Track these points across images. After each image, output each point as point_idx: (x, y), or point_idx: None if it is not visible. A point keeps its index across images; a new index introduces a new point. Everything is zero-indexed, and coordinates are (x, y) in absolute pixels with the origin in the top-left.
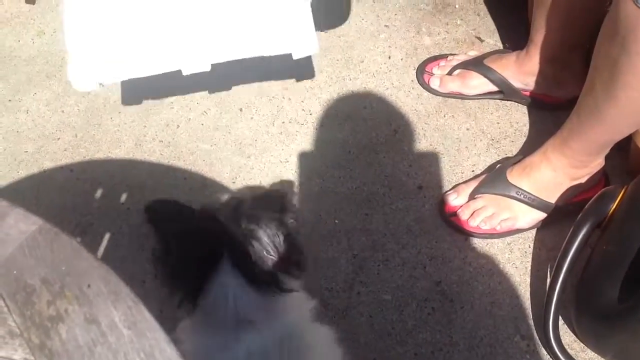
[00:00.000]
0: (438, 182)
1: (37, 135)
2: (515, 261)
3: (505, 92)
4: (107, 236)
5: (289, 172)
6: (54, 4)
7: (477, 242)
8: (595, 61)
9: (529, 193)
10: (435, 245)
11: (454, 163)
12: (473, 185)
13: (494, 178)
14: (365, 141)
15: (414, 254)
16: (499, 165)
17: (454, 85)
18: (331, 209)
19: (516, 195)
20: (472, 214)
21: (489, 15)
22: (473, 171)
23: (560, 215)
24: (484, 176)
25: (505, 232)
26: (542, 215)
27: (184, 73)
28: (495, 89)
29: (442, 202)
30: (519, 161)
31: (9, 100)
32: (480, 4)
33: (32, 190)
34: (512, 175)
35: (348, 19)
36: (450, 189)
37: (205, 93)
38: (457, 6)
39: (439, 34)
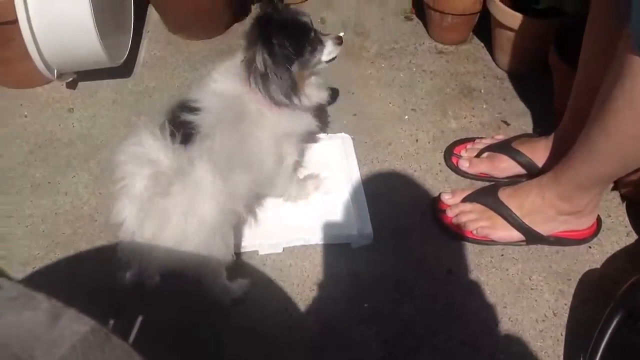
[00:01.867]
0: (467, 266)
1: (74, 217)
2: (547, 349)
3: (534, 175)
4: (139, 319)
5: (318, 254)
6: (93, 90)
7: (509, 328)
8: (595, 104)
9: (513, 212)
10: (466, 331)
11: (482, 247)
12: (468, 192)
13: (486, 191)
14: (393, 224)
15: (444, 339)
16: (494, 183)
17: (483, 167)
18: (360, 292)
19: (501, 211)
20: (457, 215)
21: (514, 100)
22: (502, 255)
23: (538, 243)
24: (480, 187)
25: (480, 238)
26: (519, 236)
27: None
28: (523, 171)
29: (437, 198)
30: (515, 183)
31: (49, 183)
32: (505, 89)
33: (68, 271)
34: (503, 194)
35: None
36: (447, 190)
37: None
38: (482, 91)
39: (465, 117)
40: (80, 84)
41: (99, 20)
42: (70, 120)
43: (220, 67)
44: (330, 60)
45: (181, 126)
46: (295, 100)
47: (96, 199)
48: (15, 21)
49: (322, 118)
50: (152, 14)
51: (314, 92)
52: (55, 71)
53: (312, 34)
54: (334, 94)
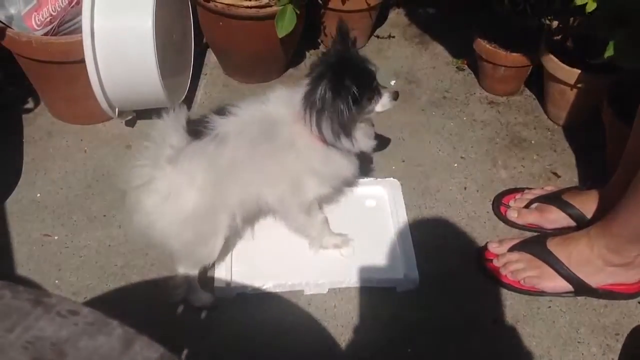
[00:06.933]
0: (513, 316)
1: (127, 250)
2: None
3: (583, 227)
4: (185, 352)
5: (363, 296)
6: (150, 128)
7: None
8: None
9: (561, 262)
10: None
11: (529, 297)
12: (515, 241)
13: (534, 241)
14: (439, 270)
15: None
16: (541, 233)
17: (532, 217)
18: (403, 336)
19: (549, 261)
20: (504, 264)
21: (565, 152)
22: (549, 307)
23: (587, 295)
24: (527, 237)
25: (528, 288)
26: (567, 286)
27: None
28: (573, 224)
29: (484, 247)
30: (564, 234)
31: (104, 216)
32: (556, 141)
33: (119, 302)
34: (552, 243)
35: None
36: (495, 239)
37: None
38: (533, 142)
39: (515, 167)
40: (139, 122)
41: (161, 63)
42: (127, 156)
43: (277, 91)
44: (380, 111)
45: (200, 123)
46: (344, 142)
47: None
48: (81, 61)
49: (366, 165)
50: (211, 57)
51: (362, 139)
52: (117, 110)
53: (375, 83)
54: (384, 140)
